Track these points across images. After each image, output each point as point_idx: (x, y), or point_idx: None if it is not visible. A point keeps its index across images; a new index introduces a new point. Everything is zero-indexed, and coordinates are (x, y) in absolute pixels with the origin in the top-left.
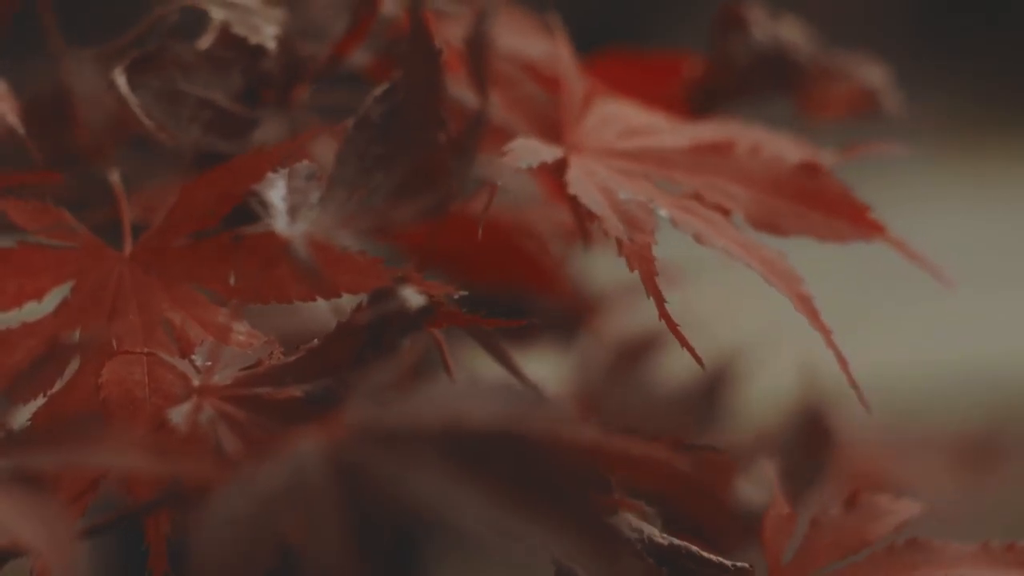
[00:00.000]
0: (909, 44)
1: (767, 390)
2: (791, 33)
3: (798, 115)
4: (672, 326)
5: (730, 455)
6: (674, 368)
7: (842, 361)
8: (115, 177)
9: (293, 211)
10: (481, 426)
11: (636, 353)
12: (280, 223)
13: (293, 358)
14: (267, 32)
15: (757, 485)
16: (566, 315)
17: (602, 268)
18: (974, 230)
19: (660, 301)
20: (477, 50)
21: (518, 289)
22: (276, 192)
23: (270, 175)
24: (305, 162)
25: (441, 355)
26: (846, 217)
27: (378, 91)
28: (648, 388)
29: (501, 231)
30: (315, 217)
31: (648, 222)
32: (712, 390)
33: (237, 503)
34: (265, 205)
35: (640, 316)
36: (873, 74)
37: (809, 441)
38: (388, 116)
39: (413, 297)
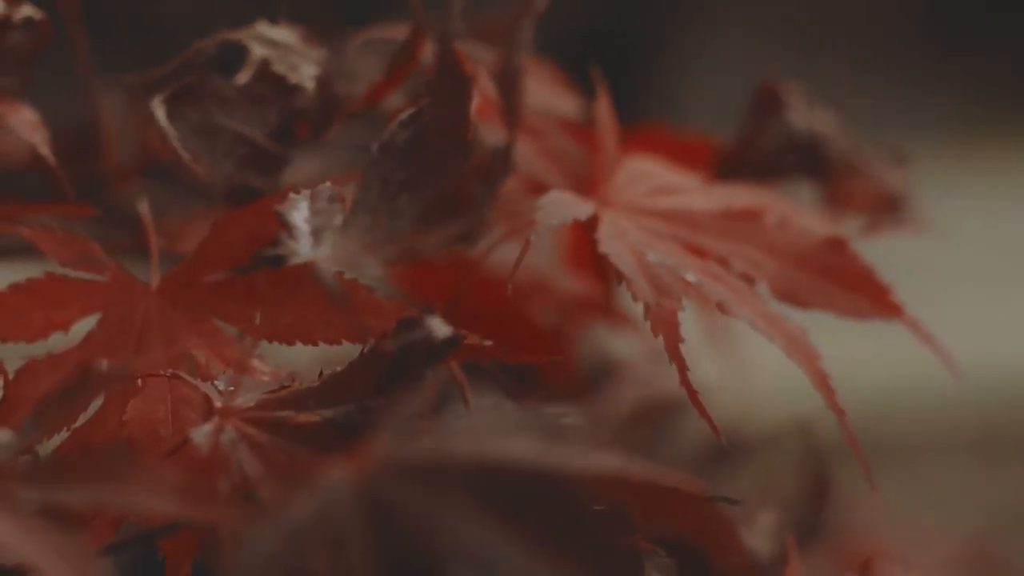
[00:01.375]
0: (916, 44)
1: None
2: (825, 124)
3: (820, 205)
4: (693, 395)
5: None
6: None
7: (854, 445)
8: (144, 207)
9: (316, 233)
10: (509, 461)
11: (652, 415)
12: (303, 245)
13: (317, 383)
14: (306, 72)
15: (762, 536)
16: (584, 372)
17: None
18: (982, 229)
19: (683, 369)
20: (507, 82)
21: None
22: (299, 214)
23: (293, 196)
24: (328, 184)
25: (461, 392)
26: (867, 296)
27: (403, 116)
28: (660, 451)
29: (509, 296)
30: (338, 240)
31: (675, 288)
32: (724, 455)
33: (267, 536)
34: (288, 227)
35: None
36: (897, 178)
37: (811, 494)
38: (412, 142)
39: (440, 327)
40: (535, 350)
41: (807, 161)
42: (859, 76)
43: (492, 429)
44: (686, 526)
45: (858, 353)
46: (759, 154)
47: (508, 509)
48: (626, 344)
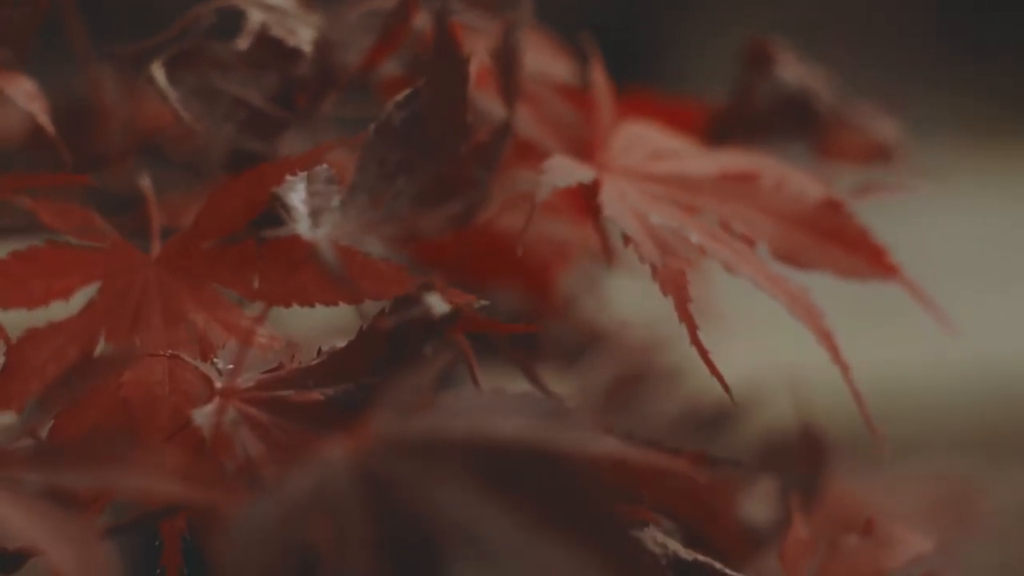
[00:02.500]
0: (925, 42)
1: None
2: (814, 79)
3: (812, 159)
4: (704, 354)
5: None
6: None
7: (858, 398)
8: (145, 181)
9: (315, 215)
10: (507, 439)
11: (637, 380)
12: (303, 227)
13: (316, 362)
14: (303, 35)
15: (760, 500)
16: (573, 339)
17: (620, 292)
18: (990, 226)
19: (693, 328)
20: (506, 60)
21: (526, 307)
22: (297, 195)
23: (290, 179)
24: (324, 166)
25: (468, 364)
26: (864, 256)
27: (400, 97)
28: (647, 416)
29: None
30: (337, 221)
31: (681, 248)
32: (711, 421)
33: (264, 512)
34: (287, 208)
35: (649, 343)
36: (887, 127)
37: (805, 455)
38: (409, 122)
39: (437, 304)
40: (541, 295)
41: (798, 117)
42: (866, 74)
43: (491, 409)
44: (683, 507)
45: (860, 352)
46: (751, 112)
47: (505, 485)
48: (630, 288)
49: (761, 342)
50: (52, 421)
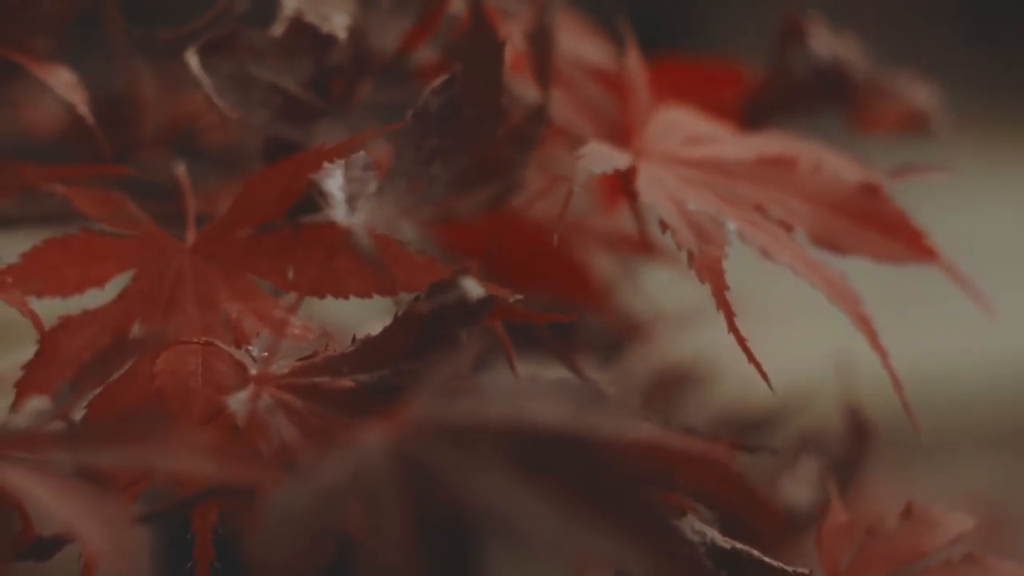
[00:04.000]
0: (945, 34)
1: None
2: (848, 50)
3: (849, 130)
4: (741, 341)
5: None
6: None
7: (897, 385)
8: (181, 170)
9: (351, 201)
10: (545, 425)
11: (675, 381)
12: (339, 212)
13: (351, 348)
14: (338, 22)
15: (802, 484)
16: (610, 334)
17: (655, 284)
18: (1002, 222)
19: (730, 315)
20: (540, 43)
21: (564, 300)
22: (334, 181)
23: (328, 165)
24: (362, 152)
25: (505, 351)
26: (902, 240)
27: (437, 82)
28: (683, 417)
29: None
30: (373, 207)
31: (718, 235)
32: (753, 423)
33: (298, 497)
34: (324, 195)
35: (686, 343)
36: (924, 95)
37: (850, 438)
38: (446, 107)
39: (473, 288)
40: (579, 288)
41: (833, 88)
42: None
43: (529, 394)
44: (721, 494)
45: (890, 348)
46: (785, 87)
47: (541, 471)
48: (666, 279)
49: (804, 336)
50: (85, 411)
